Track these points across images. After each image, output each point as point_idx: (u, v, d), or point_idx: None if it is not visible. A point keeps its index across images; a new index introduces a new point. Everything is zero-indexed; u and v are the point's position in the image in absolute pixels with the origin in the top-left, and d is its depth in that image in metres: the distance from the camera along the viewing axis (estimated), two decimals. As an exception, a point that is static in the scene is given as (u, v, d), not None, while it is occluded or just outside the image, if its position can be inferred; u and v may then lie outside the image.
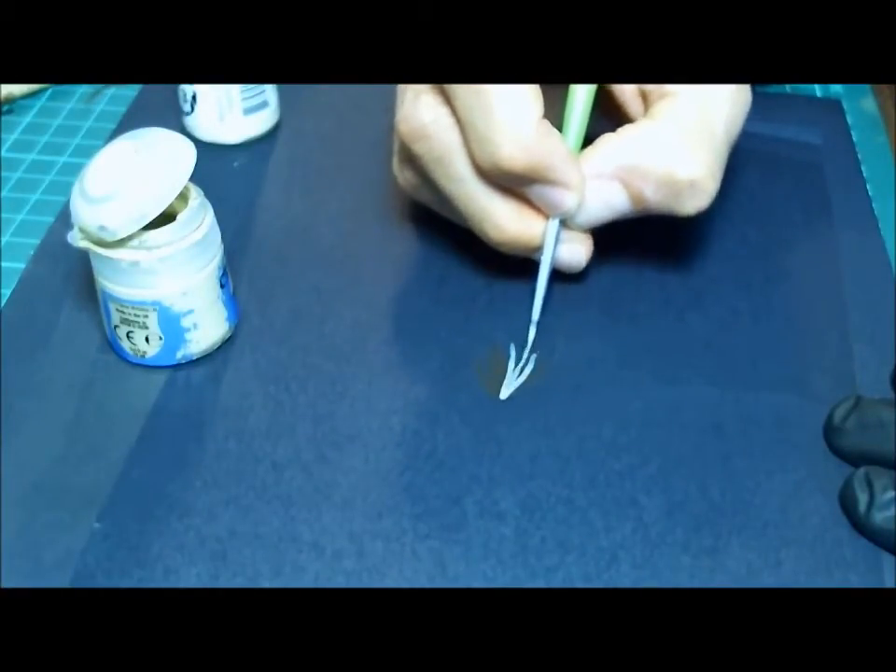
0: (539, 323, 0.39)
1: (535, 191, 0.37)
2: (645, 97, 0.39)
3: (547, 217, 0.38)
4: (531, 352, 0.38)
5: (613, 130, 0.38)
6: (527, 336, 0.38)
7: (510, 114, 0.35)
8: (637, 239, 0.43)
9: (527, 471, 0.35)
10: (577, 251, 0.39)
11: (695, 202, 0.37)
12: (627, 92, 0.40)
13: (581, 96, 0.38)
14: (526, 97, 0.35)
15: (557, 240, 0.38)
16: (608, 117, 0.40)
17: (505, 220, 0.38)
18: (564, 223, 0.38)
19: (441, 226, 0.40)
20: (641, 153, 0.37)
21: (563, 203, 0.37)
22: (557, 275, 0.40)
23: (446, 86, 0.36)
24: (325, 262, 0.42)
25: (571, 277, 0.41)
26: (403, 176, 0.41)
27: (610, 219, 0.38)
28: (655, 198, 0.37)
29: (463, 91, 0.35)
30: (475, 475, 0.34)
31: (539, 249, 0.38)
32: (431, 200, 0.40)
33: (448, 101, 0.36)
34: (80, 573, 0.32)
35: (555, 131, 0.36)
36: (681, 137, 0.36)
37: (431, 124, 0.37)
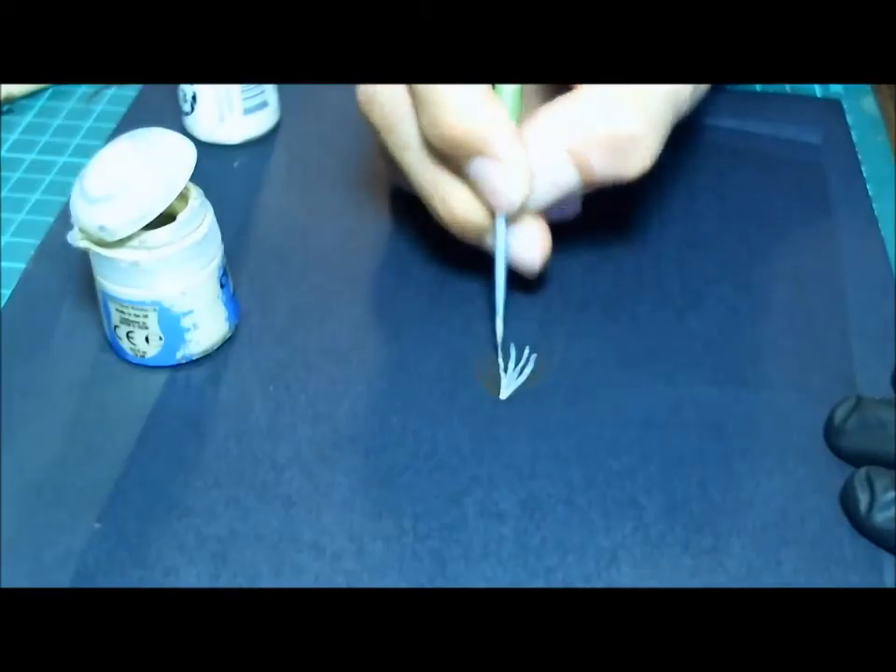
0: (538, 323, 0.39)
1: (478, 172, 0.35)
2: None
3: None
4: (503, 347, 0.38)
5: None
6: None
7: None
8: (637, 239, 0.43)
9: (527, 471, 0.35)
10: (529, 245, 0.38)
11: (639, 160, 0.36)
12: None
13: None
14: None
15: (507, 230, 0.37)
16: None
17: (454, 197, 0.37)
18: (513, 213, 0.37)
19: (441, 227, 0.40)
20: (581, 117, 0.36)
21: (506, 195, 0.35)
22: (557, 275, 0.40)
23: None
24: (325, 262, 0.42)
25: (571, 277, 0.41)
26: (378, 163, 0.41)
27: (560, 198, 0.37)
28: (601, 163, 0.36)
29: None
30: (475, 475, 0.34)
31: (487, 232, 0.37)
32: (402, 179, 0.40)
33: None
34: (80, 573, 0.32)
35: (502, 106, 0.35)
36: (619, 95, 0.36)
37: (385, 91, 0.37)
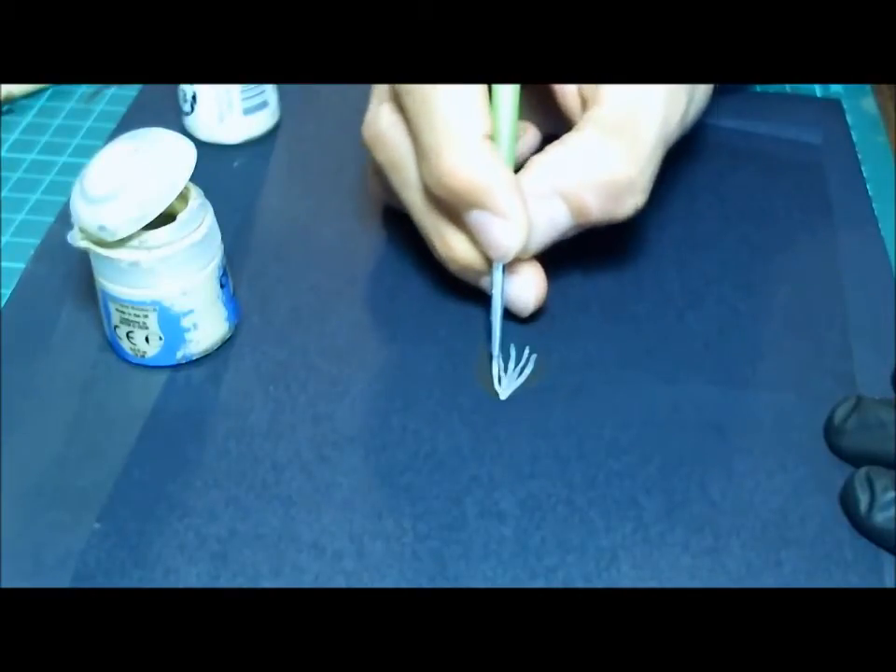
0: (537, 323, 0.39)
1: (475, 221, 0.35)
2: (584, 103, 0.38)
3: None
4: (502, 351, 0.38)
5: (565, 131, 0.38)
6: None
7: (454, 128, 0.35)
8: (637, 239, 0.43)
9: (527, 471, 0.35)
10: (525, 289, 0.38)
11: (632, 201, 0.37)
12: (569, 96, 0.39)
13: (506, 101, 0.36)
14: (473, 113, 0.35)
15: (504, 273, 0.37)
16: (555, 119, 0.40)
17: (453, 237, 0.37)
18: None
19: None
20: (575, 164, 0.36)
21: (503, 240, 0.35)
22: (557, 275, 0.40)
23: (400, 95, 0.36)
24: (325, 262, 0.42)
25: (571, 277, 0.41)
26: (371, 183, 0.42)
27: (555, 240, 0.38)
28: (596, 204, 0.36)
29: (412, 101, 0.36)
30: (475, 475, 0.34)
31: (484, 274, 0.38)
32: (397, 202, 0.40)
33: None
34: (80, 573, 0.32)
35: (501, 154, 0.35)
36: (609, 142, 0.36)
37: (389, 131, 0.38)
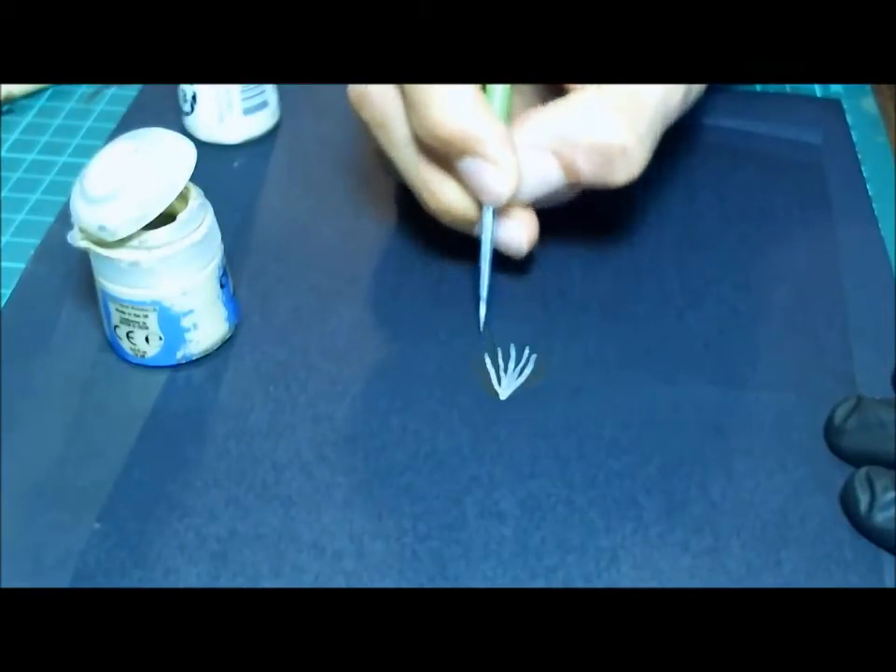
0: (537, 323, 0.39)
1: (466, 168, 0.36)
2: None
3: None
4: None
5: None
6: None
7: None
8: (637, 239, 0.43)
9: (527, 471, 0.35)
10: (517, 231, 0.39)
11: (626, 170, 0.37)
12: None
13: None
14: None
15: (494, 221, 0.38)
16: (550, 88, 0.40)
17: (442, 189, 0.38)
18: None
19: (441, 226, 0.40)
20: (571, 123, 0.36)
21: (493, 190, 0.36)
22: (556, 276, 0.40)
23: None
24: (325, 262, 0.42)
25: (571, 277, 0.41)
26: (377, 156, 0.42)
27: (545, 194, 0.38)
28: (587, 167, 0.37)
29: None
30: (475, 475, 0.34)
31: (476, 223, 0.38)
32: (394, 172, 0.40)
33: None
34: (80, 573, 0.32)
35: (491, 107, 0.36)
36: (609, 106, 0.36)
37: (375, 91, 0.38)
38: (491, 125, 0.35)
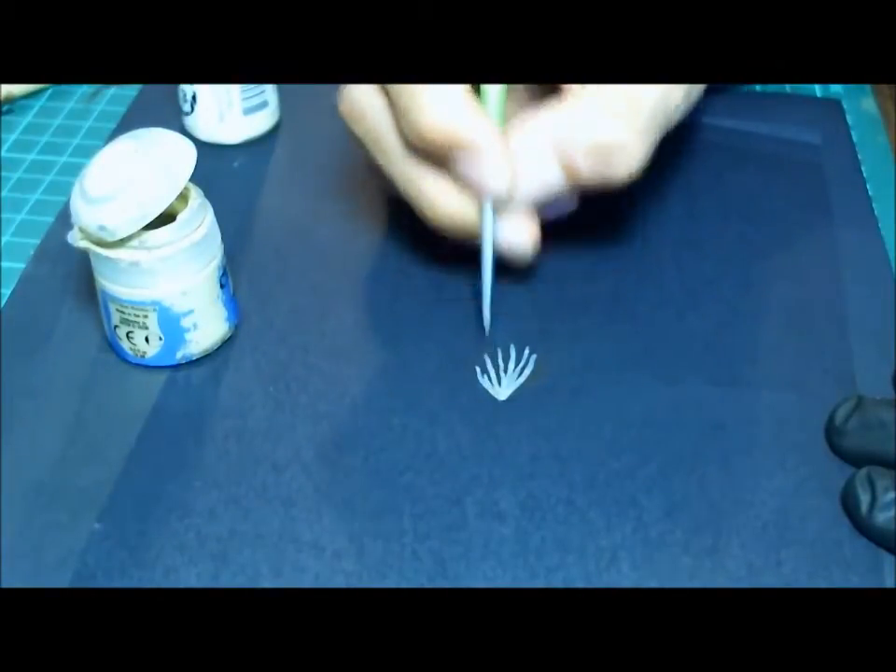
0: (538, 323, 0.39)
1: (461, 168, 0.36)
2: None
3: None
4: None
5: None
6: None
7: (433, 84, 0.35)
8: (637, 239, 0.43)
9: (527, 471, 0.35)
10: (518, 235, 0.38)
11: (625, 166, 0.36)
12: None
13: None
14: None
15: (494, 221, 0.37)
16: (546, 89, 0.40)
17: (439, 198, 0.37)
18: (500, 205, 0.37)
19: (433, 229, 0.40)
20: (568, 124, 0.36)
21: (490, 182, 0.36)
22: (557, 275, 0.40)
23: None
24: (325, 262, 0.42)
25: (571, 277, 0.41)
26: (371, 171, 0.41)
27: (545, 196, 0.38)
28: (586, 166, 0.36)
29: None
30: (475, 475, 0.34)
31: (475, 229, 0.38)
32: (390, 186, 0.40)
33: None
34: (80, 573, 0.32)
35: (485, 110, 0.36)
36: (605, 104, 0.36)
37: (367, 104, 0.38)
38: (481, 122, 0.35)
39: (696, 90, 0.39)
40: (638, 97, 0.36)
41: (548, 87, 0.40)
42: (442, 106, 0.35)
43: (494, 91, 0.37)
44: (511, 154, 0.36)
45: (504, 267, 0.39)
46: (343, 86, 0.39)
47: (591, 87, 0.37)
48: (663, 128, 0.38)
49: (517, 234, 0.38)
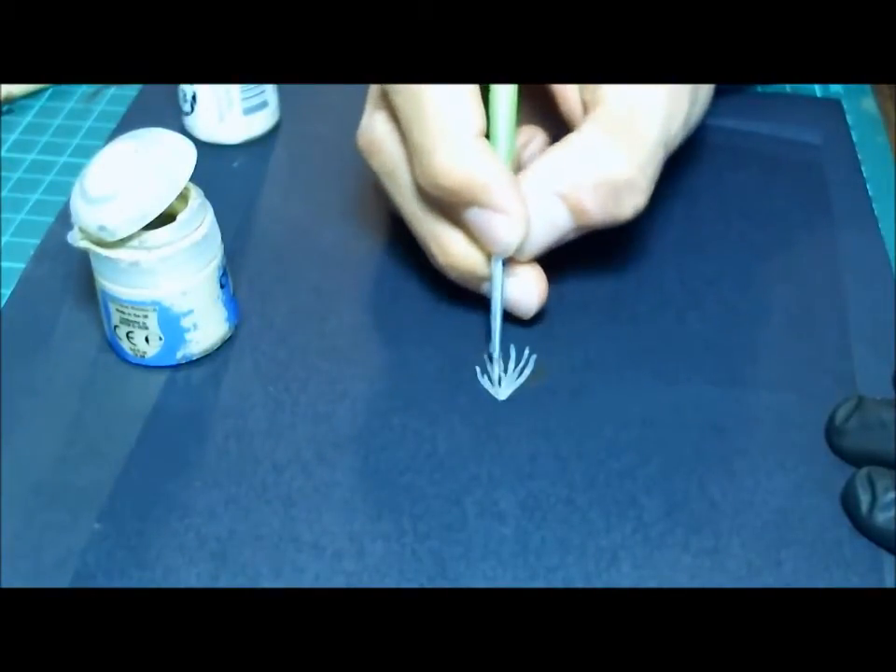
0: (538, 323, 0.39)
1: (474, 218, 0.35)
2: (586, 107, 0.38)
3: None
4: (502, 355, 0.38)
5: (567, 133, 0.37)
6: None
7: (446, 126, 0.34)
8: (637, 239, 0.43)
9: (527, 471, 0.35)
10: (526, 294, 0.38)
11: (633, 202, 0.36)
12: (570, 101, 0.39)
13: (503, 100, 0.36)
14: (465, 111, 0.34)
15: (504, 274, 0.37)
16: (557, 124, 0.40)
17: (451, 246, 0.37)
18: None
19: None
20: (573, 165, 0.36)
21: (503, 234, 0.35)
22: (556, 276, 0.40)
23: (390, 94, 0.36)
24: (325, 262, 0.42)
25: (571, 277, 0.41)
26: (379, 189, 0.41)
27: (555, 242, 0.37)
28: (594, 206, 0.36)
29: (402, 101, 0.35)
30: (475, 475, 0.34)
31: (485, 279, 0.37)
32: (398, 214, 0.40)
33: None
34: (80, 573, 0.32)
35: (496, 153, 0.35)
36: (608, 141, 0.36)
37: (383, 139, 0.38)
38: (497, 171, 0.35)
39: (694, 117, 0.39)
40: (638, 131, 0.36)
41: (554, 126, 0.40)
42: (457, 151, 0.34)
43: (503, 134, 0.36)
44: (525, 207, 0.35)
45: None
46: (363, 119, 0.39)
47: (591, 121, 0.37)
48: (664, 159, 0.38)
49: (525, 293, 0.38)
